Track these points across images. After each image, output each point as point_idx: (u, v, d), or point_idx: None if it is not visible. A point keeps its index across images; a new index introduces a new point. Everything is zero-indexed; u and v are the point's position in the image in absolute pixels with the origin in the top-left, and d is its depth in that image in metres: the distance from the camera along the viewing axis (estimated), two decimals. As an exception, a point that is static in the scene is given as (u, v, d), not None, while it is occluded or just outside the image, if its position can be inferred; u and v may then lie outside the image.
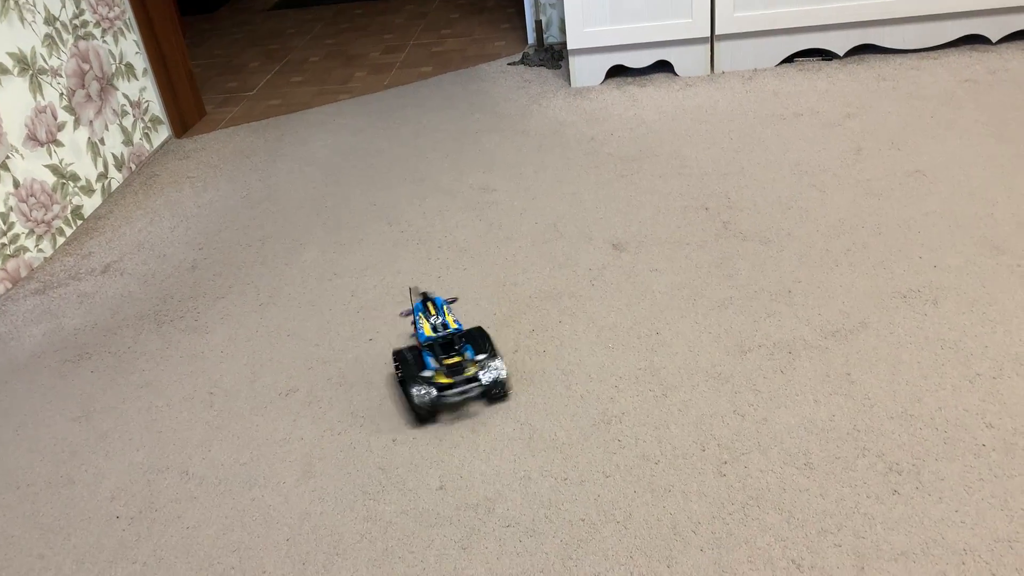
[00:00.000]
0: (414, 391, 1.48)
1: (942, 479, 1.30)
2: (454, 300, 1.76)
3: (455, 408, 1.55)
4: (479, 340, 1.59)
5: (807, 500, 1.29)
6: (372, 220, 2.28)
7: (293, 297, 1.97)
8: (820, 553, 1.20)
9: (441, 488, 1.39)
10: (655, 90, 2.88)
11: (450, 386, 1.50)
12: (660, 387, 1.56)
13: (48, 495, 1.47)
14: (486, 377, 1.52)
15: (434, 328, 1.60)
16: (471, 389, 1.51)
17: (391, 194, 2.41)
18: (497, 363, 1.53)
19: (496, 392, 1.55)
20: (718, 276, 1.86)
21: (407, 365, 1.54)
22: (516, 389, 1.59)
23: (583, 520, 1.30)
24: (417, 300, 1.67)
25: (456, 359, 1.55)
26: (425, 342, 1.58)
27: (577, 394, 1.56)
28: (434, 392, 1.49)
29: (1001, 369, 1.49)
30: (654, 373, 1.59)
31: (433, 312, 1.63)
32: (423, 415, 1.51)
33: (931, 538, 1.20)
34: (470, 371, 1.52)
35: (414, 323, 1.63)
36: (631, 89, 2.91)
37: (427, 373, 1.51)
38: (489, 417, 1.53)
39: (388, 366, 1.69)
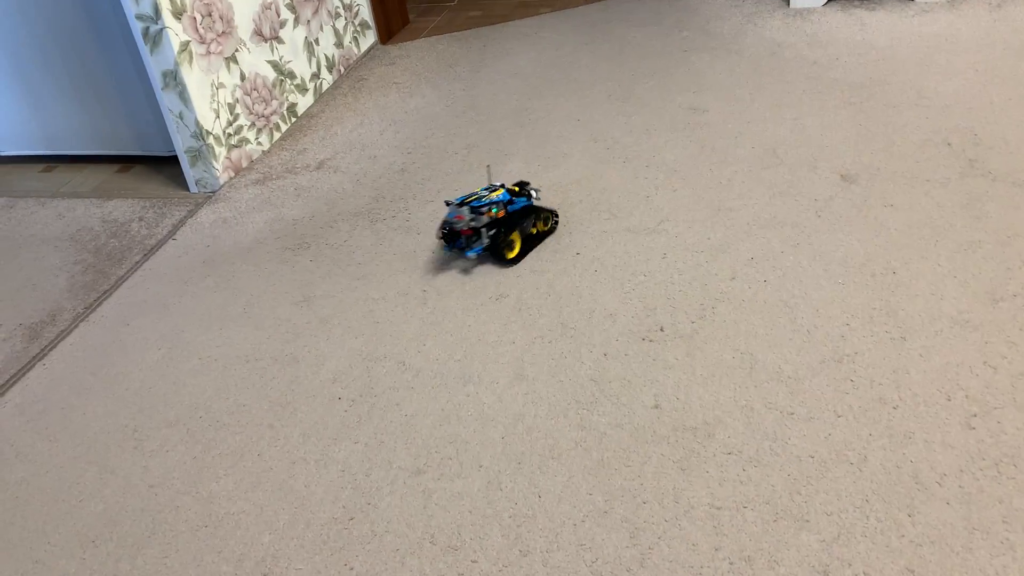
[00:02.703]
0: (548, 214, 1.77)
1: None
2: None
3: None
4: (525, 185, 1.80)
5: (1075, 467, 1.16)
6: (576, 135, 2.22)
7: (499, 205, 1.96)
8: (1092, 525, 1.08)
9: (656, 407, 1.35)
10: (886, 14, 2.63)
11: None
12: (898, 330, 1.43)
13: (275, 371, 1.55)
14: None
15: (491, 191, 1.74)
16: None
17: (595, 110, 2.34)
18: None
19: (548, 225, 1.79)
20: (964, 217, 1.69)
21: (520, 222, 1.72)
22: (734, 317, 1.51)
23: (812, 457, 1.22)
24: (461, 210, 1.70)
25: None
26: (508, 198, 1.73)
27: (803, 328, 1.47)
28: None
29: None
30: (891, 314, 1.47)
31: (470, 196, 1.73)
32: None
33: None
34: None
35: (483, 207, 1.69)
36: (858, 12, 2.67)
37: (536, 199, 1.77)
38: (705, 342, 1.47)
39: (597, 275, 1.65)
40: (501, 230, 1.70)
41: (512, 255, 1.73)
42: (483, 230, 1.68)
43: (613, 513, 1.18)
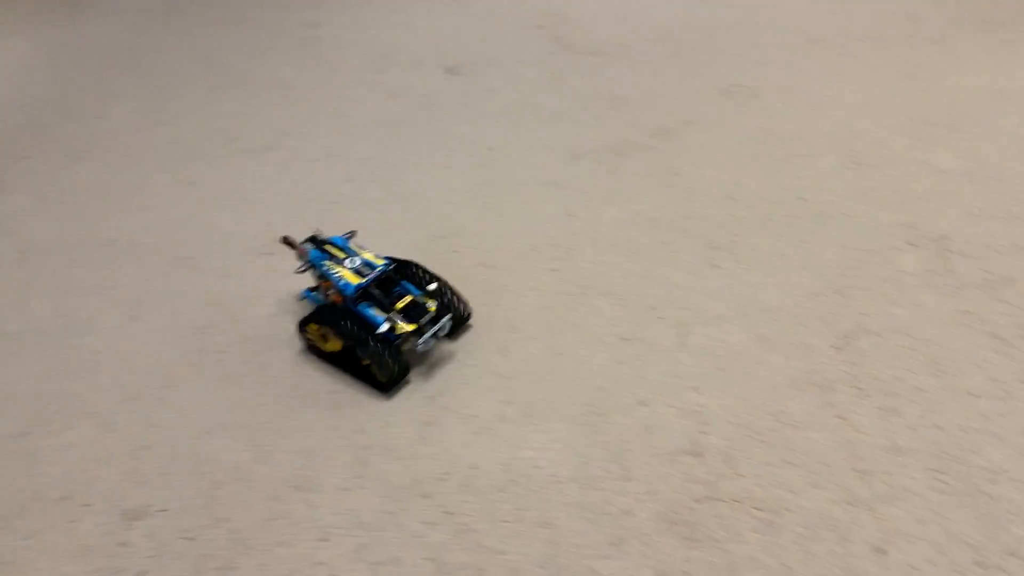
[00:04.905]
0: (389, 360, 1.16)
1: (756, 250, 1.36)
2: (352, 234, 1.32)
3: (426, 357, 1.25)
4: (412, 268, 1.28)
5: (634, 283, 1.33)
6: (189, 66, 2.12)
7: (108, 150, 1.83)
8: (646, 327, 1.25)
9: (274, 316, 1.35)
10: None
11: (418, 332, 1.19)
12: (496, 199, 1.55)
13: None
14: (451, 309, 1.24)
15: (358, 273, 1.23)
16: (444, 325, 1.21)
17: (207, 38, 2.24)
18: (444, 286, 1.26)
19: (466, 316, 1.27)
20: (551, 90, 1.84)
21: (346, 331, 1.18)
22: (347, 218, 1.55)
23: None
24: (308, 247, 1.27)
25: (408, 298, 1.22)
26: (355, 293, 1.21)
27: (413, 213, 1.54)
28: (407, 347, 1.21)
29: (814, 149, 1.56)
30: (490, 187, 1.58)
31: (341, 254, 1.26)
32: (397, 378, 1.20)
33: (745, 302, 1.27)
34: (431, 305, 1.22)
35: (323, 276, 1.25)
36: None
37: (383, 329, 1.17)
38: (323, 244, 1.49)
39: (215, 200, 1.60)
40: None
41: (324, 347, 1.25)
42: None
43: (233, 422, 1.18)
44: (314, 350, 1.26)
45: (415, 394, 1.19)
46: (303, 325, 1.24)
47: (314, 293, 1.32)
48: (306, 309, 1.33)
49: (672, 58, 1.88)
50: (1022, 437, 1.05)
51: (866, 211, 1.41)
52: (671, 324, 1.25)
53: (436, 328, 1.19)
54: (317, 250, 1.26)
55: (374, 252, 1.27)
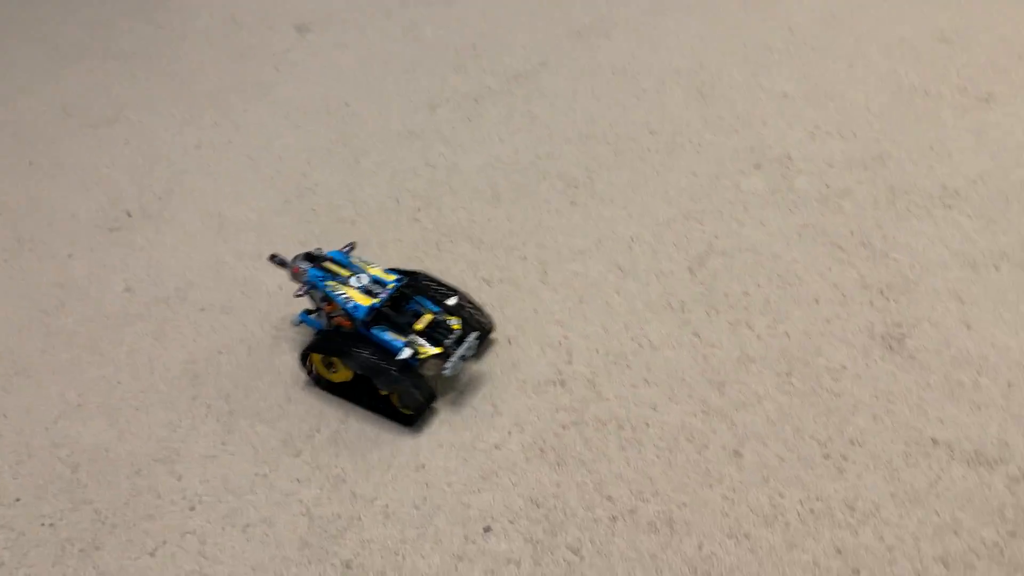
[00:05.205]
0: (414, 390, 1.04)
1: (612, 184, 1.39)
2: (351, 246, 1.17)
3: (455, 382, 1.11)
4: (423, 280, 1.15)
5: (495, 226, 1.34)
6: (22, 39, 1.98)
7: (-69, 135, 1.70)
8: (508, 268, 1.27)
9: (127, 290, 1.30)
10: None
11: (443, 354, 1.07)
12: (353, 154, 1.52)
13: None
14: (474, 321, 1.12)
15: (368, 292, 1.08)
16: (472, 344, 1.09)
17: (42, 7, 2.10)
18: (464, 299, 1.14)
19: (488, 330, 1.15)
20: (405, 41, 1.82)
21: (360, 360, 1.05)
22: (201, 184, 1.49)
23: (280, 289, 1.27)
24: (305, 267, 1.11)
25: (428, 316, 1.09)
26: (368, 316, 1.07)
27: (267, 176, 1.50)
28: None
29: (663, 83, 1.60)
30: (346, 143, 1.55)
31: (344, 271, 1.11)
32: (424, 408, 1.08)
33: (603, 235, 1.30)
34: (455, 323, 1.10)
35: (327, 298, 1.09)
36: None
37: (405, 355, 1.04)
38: (173, 216, 1.43)
39: (55, 180, 1.52)
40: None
41: (332, 377, 1.12)
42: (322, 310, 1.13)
43: (89, 403, 1.13)
44: (320, 382, 1.12)
45: (282, 356, 1.17)
46: (305, 356, 1.11)
47: (312, 316, 1.15)
48: (305, 335, 1.18)
49: (524, 3, 1.88)
50: (860, 336, 1.12)
51: (713, 139, 1.46)
52: (533, 263, 1.27)
53: (464, 348, 1.07)
54: (316, 269, 1.10)
55: (381, 266, 1.13)
